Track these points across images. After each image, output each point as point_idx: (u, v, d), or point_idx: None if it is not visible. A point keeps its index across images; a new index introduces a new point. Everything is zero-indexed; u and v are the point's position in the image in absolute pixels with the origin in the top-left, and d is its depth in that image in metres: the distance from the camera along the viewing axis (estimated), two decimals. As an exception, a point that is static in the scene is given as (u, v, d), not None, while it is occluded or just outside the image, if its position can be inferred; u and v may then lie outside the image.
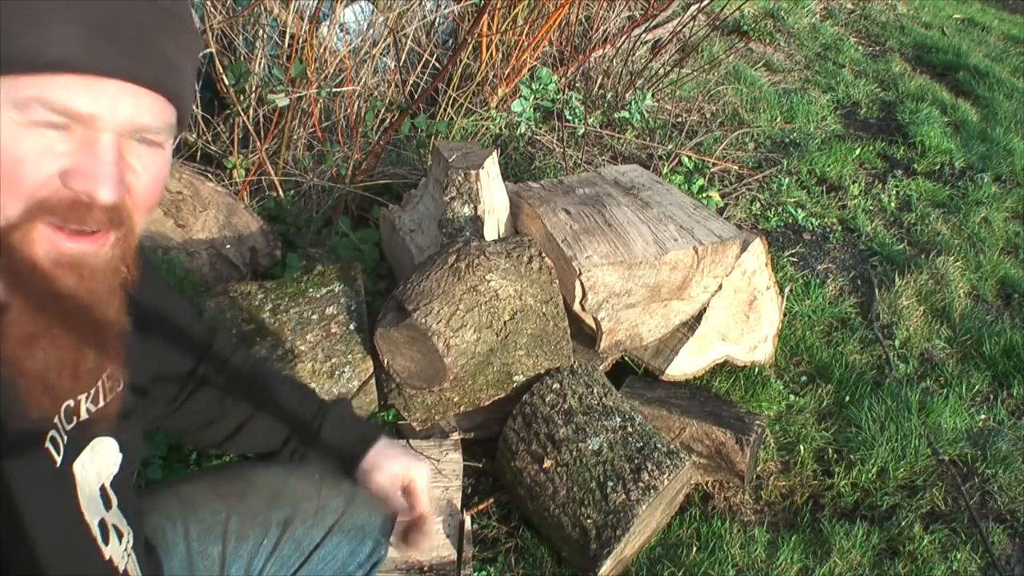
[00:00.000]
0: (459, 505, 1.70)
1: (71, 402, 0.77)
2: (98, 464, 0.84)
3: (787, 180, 3.26)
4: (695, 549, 1.74)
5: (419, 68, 2.84)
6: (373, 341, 1.72)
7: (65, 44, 0.61)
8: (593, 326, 1.89)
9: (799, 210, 3.09)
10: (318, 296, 1.80)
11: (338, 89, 2.49)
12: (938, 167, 3.65)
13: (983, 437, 2.18)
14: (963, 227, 3.19)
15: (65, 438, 0.76)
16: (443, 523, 1.65)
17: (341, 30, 2.67)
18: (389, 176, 2.53)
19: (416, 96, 2.69)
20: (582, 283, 1.78)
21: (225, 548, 1.07)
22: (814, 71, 4.50)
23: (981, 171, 3.63)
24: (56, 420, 0.74)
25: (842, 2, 5.75)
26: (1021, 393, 2.36)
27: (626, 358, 2.09)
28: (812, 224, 3.06)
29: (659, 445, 1.65)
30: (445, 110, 2.82)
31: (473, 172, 1.92)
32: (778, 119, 3.79)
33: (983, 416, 2.27)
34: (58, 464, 0.74)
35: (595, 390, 1.76)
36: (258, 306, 1.76)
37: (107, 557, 0.82)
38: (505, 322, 1.73)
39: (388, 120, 2.68)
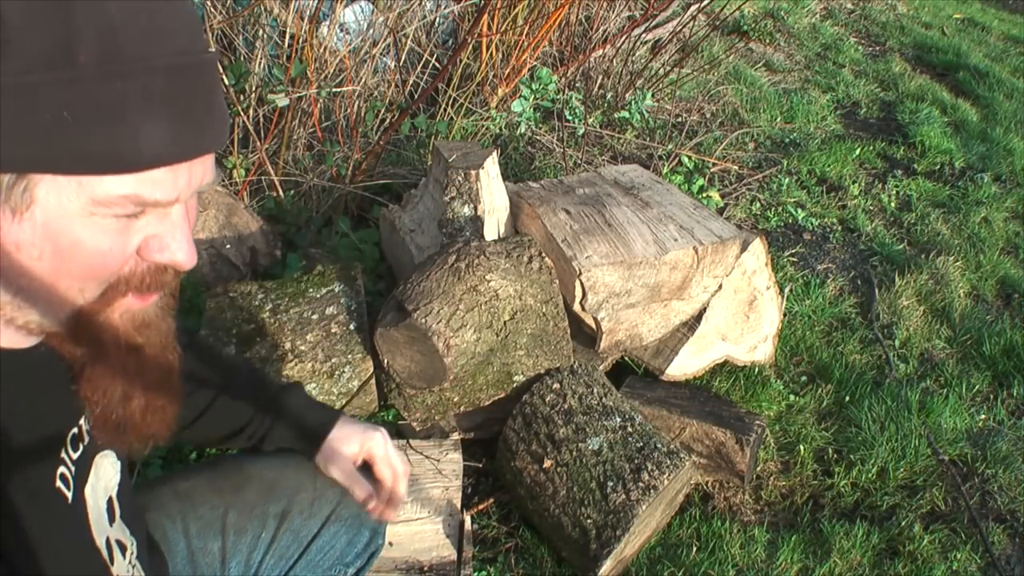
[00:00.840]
0: (459, 505, 1.70)
1: (75, 429, 0.76)
2: (103, 480, 0.83)
3: (787, 180, 3.26)
4: (695, 549, 1.74)
5: (419, 68, 2.84)
6: (373, 341, 1.72)
7: (156, 141, 0.58)
8: (593, 326, 1.89)
9: (799, 210, 3.09)
10: (318, 296, 1.80)
11: (338, 89, 2.49)
12: (938, 167, 3.65)
13: (983, 437, 2.18)
14: (963, 227, 3.19)
15: (73, 468, 0.75)
16: (443, 523, 1.65)
17: (341, 30, 2.67)
18: (389, 176, 2.53)
19: (416, 96, 2.69)
20: (582, 283, 1.78)
21: (225, 543, 1.07)
22: (814, 71, 4.50)
23: (981, 171, 3.63)
24: (63, 454, 0.73)
25: (842, 2, 5.75)
26: (1021, 393, 2.36)
27: (626, 358, 2.09)
28: (812, 224, 3.06)
29: (659, 445, 1.65)
30: (445, 110, 2.82)
31: (473, 172, 1.92)
32: (778, 119, 3.79)
33: (983, 416, 2.27)
34: (70, 500, 0.73)
35: (595, 390, 1.76)
36: (258, 306, 1.76)
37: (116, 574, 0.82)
38: (505, 322, 1.73)
39: (388, 120, 2.68)
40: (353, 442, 1.11)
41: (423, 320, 1.61)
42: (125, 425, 0.72)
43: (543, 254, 1.80)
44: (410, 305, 1.64)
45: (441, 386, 1.70)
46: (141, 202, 0.60)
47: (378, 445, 1.11)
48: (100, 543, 0.80)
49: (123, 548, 0.86)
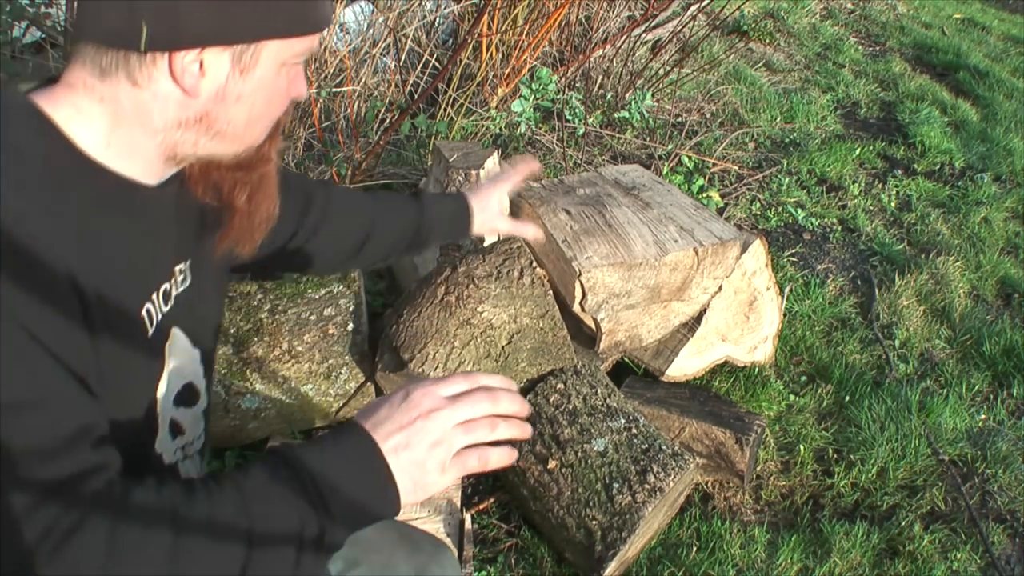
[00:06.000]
0: (459, 504, 1.69)
1: (167, 284, 0.86)
2: (181, 354, 0.89)
3: (787, 180, 3.26)
4: (695, 549, 1.74)
5: (419, 68, 2.84)
6: (375, 377, 1.73)
7: (324, 9, 0.81)
8: (593, 327, 1.89)
9: (799, 210, 3.09)
10: (316, 297, 1.79)
11: (338, 89, 2.49)
12: (938, 167, 3.65)
13: (983, 437, 2.18)
14: (963, 227, 3.19)
15: (159, 316, 0.85)
16: (443, 522, 1.65)
17: (341, 30, 2.67)
18: (389, 176, 2.53)
19: (416, 96, 2.68)
20: (582, 284, 1.78)
21: None
22: (814, 71, 4.50)
23: (981, 171, 3.63)
24: (153, 296, 0.84)
25: (842, 2, 5.75)
26: (1021, 393, 2.36)
27: (626, 359, 2.09)
28: (812, 224, 3.06)
29: (664, 447, 1.65)
30: (445, 110, 2.82)
31: (473, 172, 1.91)
32: (778, 119, 3.78)
33: (983, 416, 2.27)
34: (149, 334, 0.82)
35: (599, 391, 1.76)
36: (256, 306, 1.76)
37: (157, 451, 0.89)
38: (503, 347, 1.72)
39: (388, 120, 2.68)
40: (493, 199, 1.43)
41: (420, 369, 1.60)
42: (256, 222, 0.90)
43: (533, 263, 1.77)
44: (406, 354, 1.63)
45: None
46: (310, 52, 0.83)
47: (507, 185, 1.47)
48: (160, 407, 0.86)
49: (179, 431, 0.91)
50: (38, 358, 0.66)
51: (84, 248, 0.72)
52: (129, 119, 0.75)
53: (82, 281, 0.71)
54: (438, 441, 0.77)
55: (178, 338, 0.89)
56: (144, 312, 0.81)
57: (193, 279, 0.92)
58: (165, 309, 0.86)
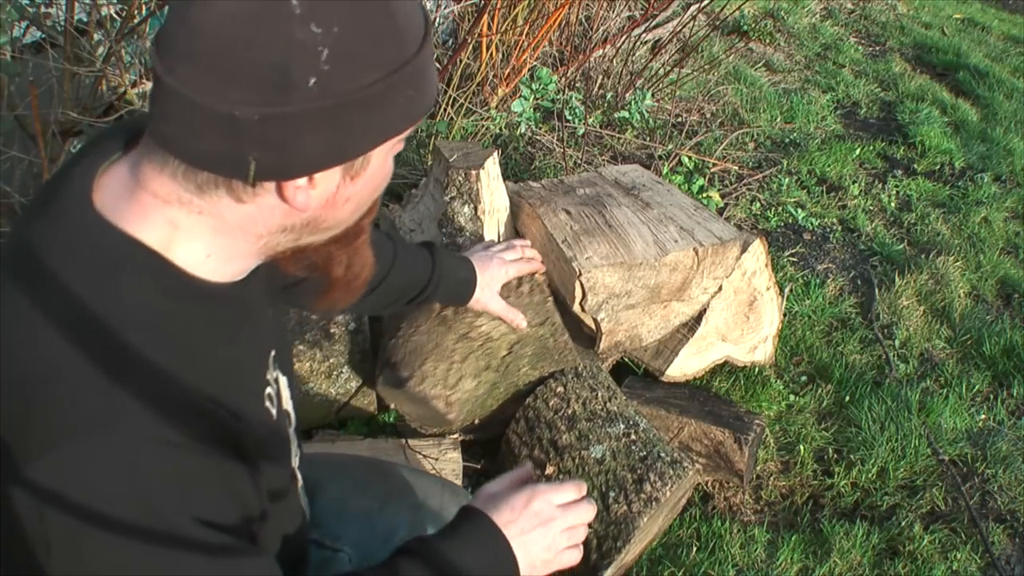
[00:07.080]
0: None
1: (274, 350, 0.86)
2: (286, 400, 0.90)
3: (787, 180, 3.26)
4: (695, 549, 1.74)
5: (419, 68, 2.84)
6: (376, 386, 1.74)
7: (434, 90, 0.75)
8: (593, 327, 1.89)
9: (799, 210, 3.09)
10: (318, 296, 1.80)
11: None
12: (938, 167, 3.65)
13: (983, 437, 2.18)
14: (963, 227, 3.19)
15: (275, 387, 0.85)
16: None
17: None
18: (389, 176, 2.53)
19: (416, 96, 2.68)
20: (582, 284, 1.78)
21: (372, 504, 1.16)
22: (814, 71, 4.50)
23: (981, 171, 3.63)
24: (267, 375, 0.84)
25: (842, 2, 5.75)
26: (1021, 393, 2.36)
27: (626, 359, 2.09)
28: (812, 224, 3.06)
29: (662, 454, 1.65)
30: (445, 110, 2.82)
31: (474, 172, 1.91)
32: (778, 119, 3.78)
33: (983, 416, 2.27)
34: (274, 416, 0.83)
35: (599, 394, 1.75)
36: (258, 306, 1.76)
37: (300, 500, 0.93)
38: (503, 357, 1.70)
39: (388, 120, 2.67)
40: (497, 280, 1.56)
41: (419, 388, 1.60)
42: (356, 286, 0.87)
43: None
44: (405, 371, 1.62)
45: (450, 428, 1.71)
46: (415, 130, 0.79)
47: (523, 268, 1.66)
48: (295, 462, 0.90)
49: (294, 477, 0.94)
50: (213, 540, 0.67)
51: (221, 389, 0.71)
52: (231, 229, 0.71)
53: (232, 426, 0.70)
54: (548, 545, 0.95)
55: (280, 379, 0.89)
56: (267, 400, 0.81)
57: (274, 314, 0.92)
58: (276, 375, 0.85)
